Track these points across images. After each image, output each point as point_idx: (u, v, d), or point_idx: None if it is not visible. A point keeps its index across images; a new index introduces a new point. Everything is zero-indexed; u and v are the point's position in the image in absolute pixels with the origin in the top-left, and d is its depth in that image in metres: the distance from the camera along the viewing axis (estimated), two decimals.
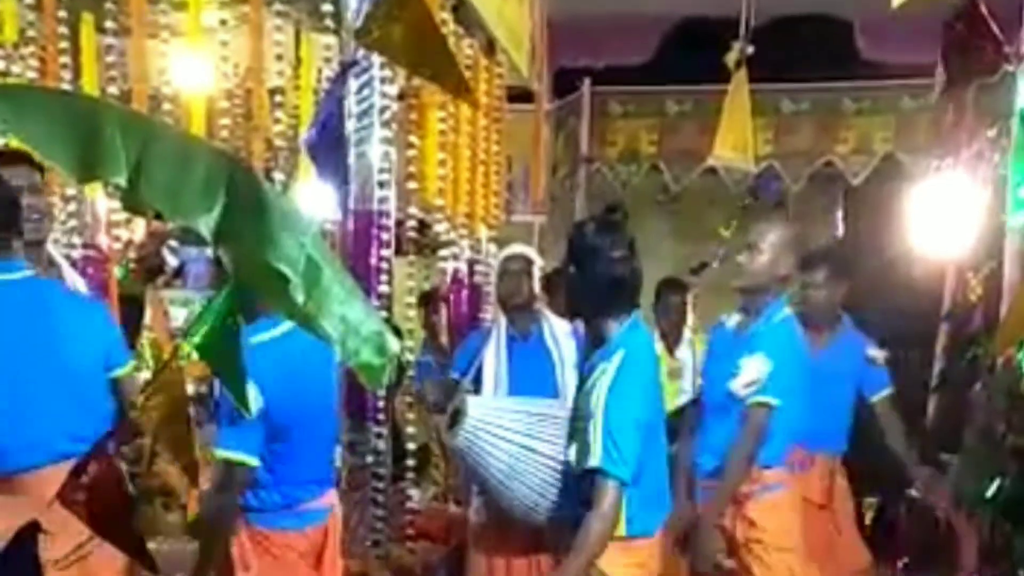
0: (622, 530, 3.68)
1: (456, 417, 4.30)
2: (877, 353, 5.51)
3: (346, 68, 4.59)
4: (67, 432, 3.79)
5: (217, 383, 3.72)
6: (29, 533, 3.92)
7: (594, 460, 3.50)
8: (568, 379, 4.74)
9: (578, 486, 3.70)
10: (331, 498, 4.03)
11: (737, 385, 4.42)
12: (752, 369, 4.40)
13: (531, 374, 4.81)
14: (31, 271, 3.99)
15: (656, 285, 6.68)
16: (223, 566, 3.79)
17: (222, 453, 3.68)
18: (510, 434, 4.22)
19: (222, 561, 3.79)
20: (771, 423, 4.44)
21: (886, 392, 5.55)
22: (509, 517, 4.33)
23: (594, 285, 3.65)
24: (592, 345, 3.76)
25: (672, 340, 6.60)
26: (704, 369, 4.96)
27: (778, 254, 4.57)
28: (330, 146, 4.44)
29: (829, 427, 5.36)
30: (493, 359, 4.85)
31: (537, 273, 4.99)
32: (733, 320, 4.74)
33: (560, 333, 4.92)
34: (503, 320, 4.96)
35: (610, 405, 3.53)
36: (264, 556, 3.82)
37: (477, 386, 4.83)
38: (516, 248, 5.14)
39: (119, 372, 4.06)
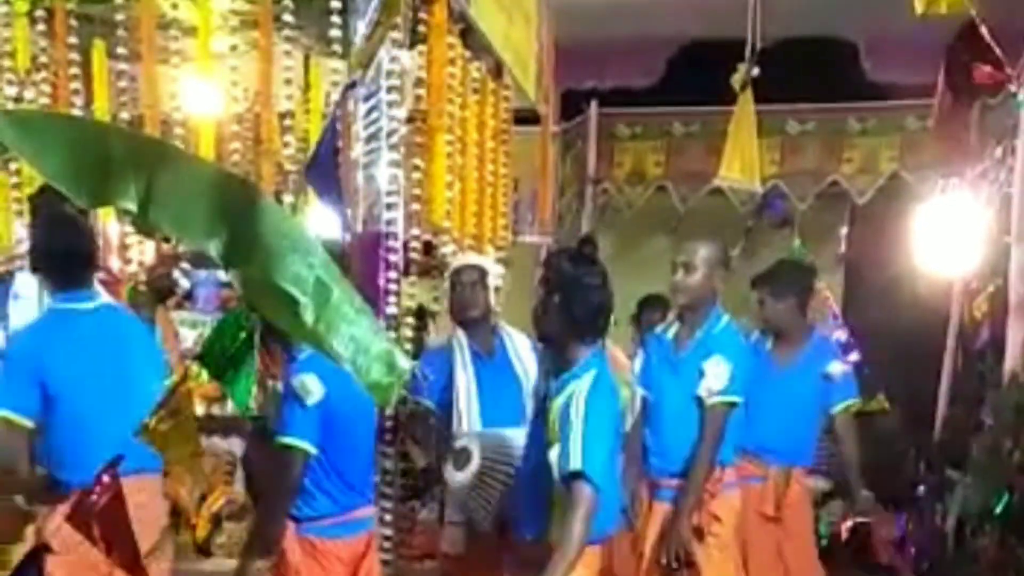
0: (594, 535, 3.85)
1: (462, 457, 4.34)
2: (836, 369, 5.63)
3: (347, 90, 4.63)
4: (136, 449, 3.89)
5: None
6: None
7: (576, 464, 3.61)
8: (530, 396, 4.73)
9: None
10: (372, 510, 4.24)
11: (704, 389, 4.75)
12: (715, 371, 4.74)
13: (500, 394, 4.78)
14: (103, 299, 4.33)
15: (638, 301, 6.78)
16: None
17: (281, 440, 3.87)
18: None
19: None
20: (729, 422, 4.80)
21: (845, 404, 5.67)
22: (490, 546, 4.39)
23: (571, 312, 3.82)
24: (557, 367, 3.91)
25: None
26: (643, 375, 5.06)
27: (711, 269, 4.88)
28: (326, 167, 4.50)
29: (786, 440, 5.53)
30: (463, 380, 4.80)
31: (492, 284, 4.99)
32: (671, 331, 5.06)
33: (522, 348, 4.93)
34: (462, 337, 4.90)
35: (589, 415, 3.67)
36: (312, 565, 3.96)
37: (448, 407, 4.80)
38: (468, 258, 5.12)
39: None
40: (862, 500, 5.97)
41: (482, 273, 4.94)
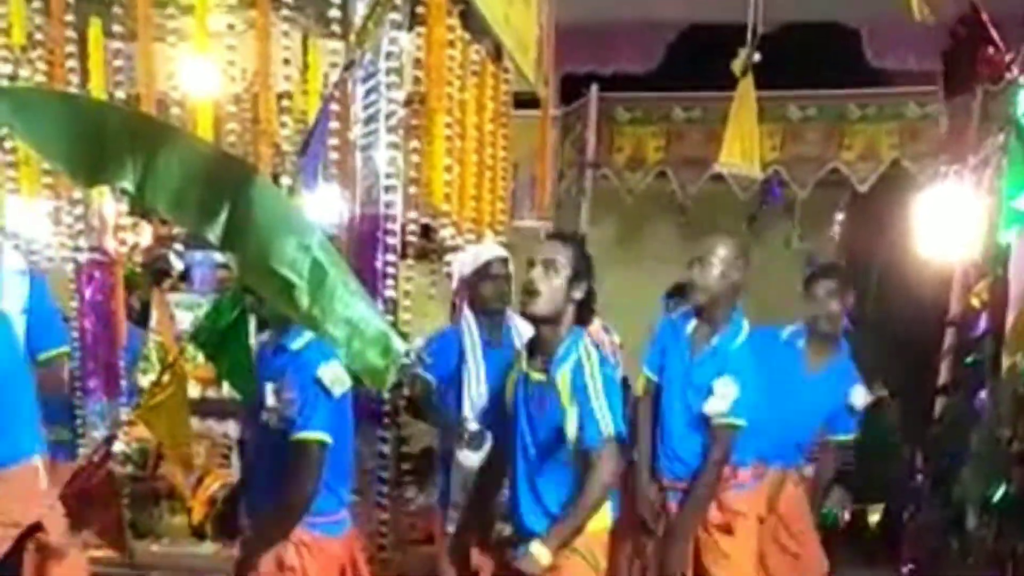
0: (608, 519, 4.01)
1: (477, 439, 4.41)
2: (858, 399, 5.42)
3: (345, 70, 4.59)
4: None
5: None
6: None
7: (608, 428, 3.76)
8: None
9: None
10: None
11: (710, 407, 4.66)
12: (723, 392, 4.64)
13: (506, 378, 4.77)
14: None
15: (665, 292, 6.67)
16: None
17: (306, 434, 3.73)
18: None
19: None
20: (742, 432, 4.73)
21: (841, 438, 5.52)
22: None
23: (574, 295, 3.93)
24: (542, 349, 3.98)
25: None
26: (652, 361, 5.03)
27: (728, 265, 4.78)
28: (316, 155, 4.46)
29: (790, 443, 5.41)
30: (473, 366, 4.85)
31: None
32: (689, 325, 4.92)
33: (527, 336, 4.91)
34: (472, 323, 4.93)
35: (606, 382, 3.83)
36: (312, 564, 3.85)
37: (456, 391, 4.84)
38: (497, 250, 5.14)
39: None
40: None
41: (507, 264, 5.02)
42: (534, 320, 3.99)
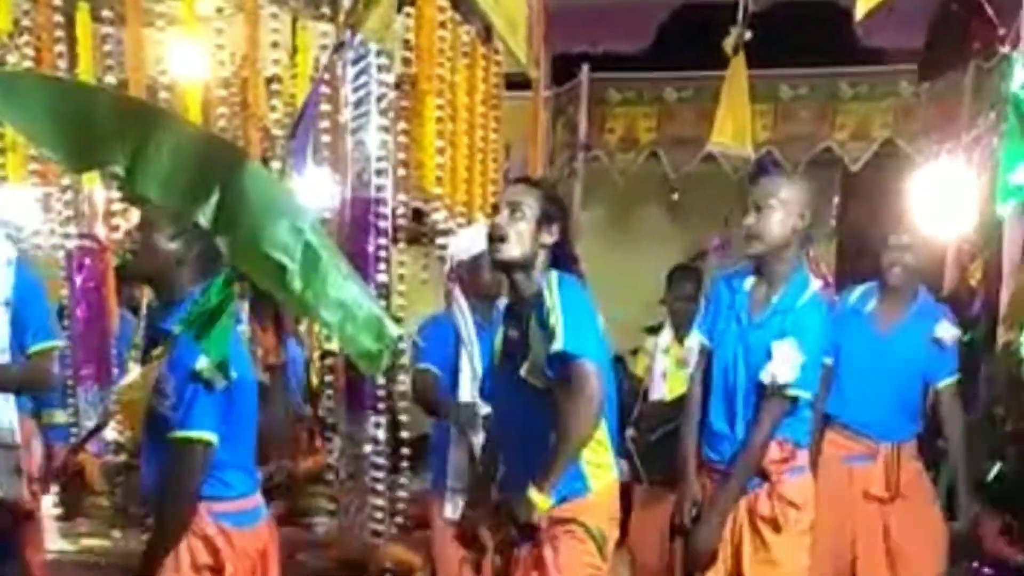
0: (613, 472, 3.91)
1: (487, 422, 4.42)
2: (946, 333, 5.01)
3: (335, 52, 4.56)
4: None
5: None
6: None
7: (558, 344, 3.60)
8: None
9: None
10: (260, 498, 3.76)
11: (768, 375, 4.04)
12: (785, 357, 4.02)
13: None
14: None
15: (668, 271, 6.65)
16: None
17: (185, 433, 3.34)
18: None
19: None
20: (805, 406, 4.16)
21: (950, 380, 5.08)
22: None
23: (547, 240, 3.81)
24: (518, 303, 3.88)
25: (683, 328, 6.49)
26: (704, 325, 4.43)
27: (790, 211, 4.10)
28: (304, 139, 4.43)
29: (893, 414, 5.05)
30: (469, 351, 4.79)
31: None
32: (747, 282, 4.27)
33: None
34: (465, 307, 4.87)
35: (564, 298, 3.66)
36: (230, 555, 3.50)
37: (453, 376, 4.80)
38: None
39: None
40: (968, 508, 5.21)
41: None
42: (504, 266, 3.86)
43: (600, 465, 3.85)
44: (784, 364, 4.01)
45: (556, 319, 3.63)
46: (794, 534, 4.15)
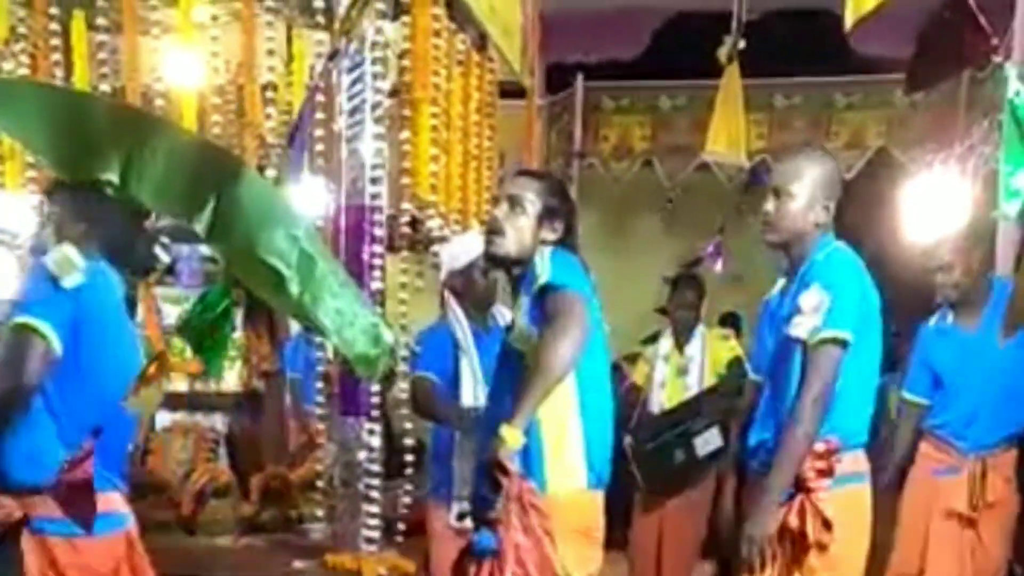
0: (581, 480, 3.44)
1: None
2: None
3: (329, 60, 4.57)
4: None
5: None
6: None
7: (543, 278, 3.32)
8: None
9: None
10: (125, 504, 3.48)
11: (796, 327, 3.52)
12: (811, 303, 3.51)
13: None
14: None
15: (672, 278, 6.66)
16: None
17: (20, 319, 3.08)
18: None
19: None
20: (844, 383, 3.52)
21: None
22: None
23: (544, 234, 3.53)
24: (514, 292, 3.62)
25: (683, 336, 6.49)
26: (752, 356, 4.17)
27: (814, 195, 3.69)
28: (301, 146, 4.44)
29: (988, 422, 4.78)
30: (468, 356, 4.74)
31: None
32: (779, 284, 3.86)
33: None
34: (461, 315, 4.80)
35: (555, 261, 3.38)
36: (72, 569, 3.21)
37: (454, 385, 4.76)
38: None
39: None
40: None
41: None
42: (499, 262, 3.62)
43: (565, 469, 3.44)
44: (812, 310, 3.50)
45: (543, 265, 3.36)
46: (819, 564, 3.54)
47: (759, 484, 3.62)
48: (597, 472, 3.48)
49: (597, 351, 3.51)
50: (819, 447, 3.48)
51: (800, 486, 3.50)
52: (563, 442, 3.42)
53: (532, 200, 3.53)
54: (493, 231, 3.57)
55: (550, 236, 3.53)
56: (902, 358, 5.57)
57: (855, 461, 3.61)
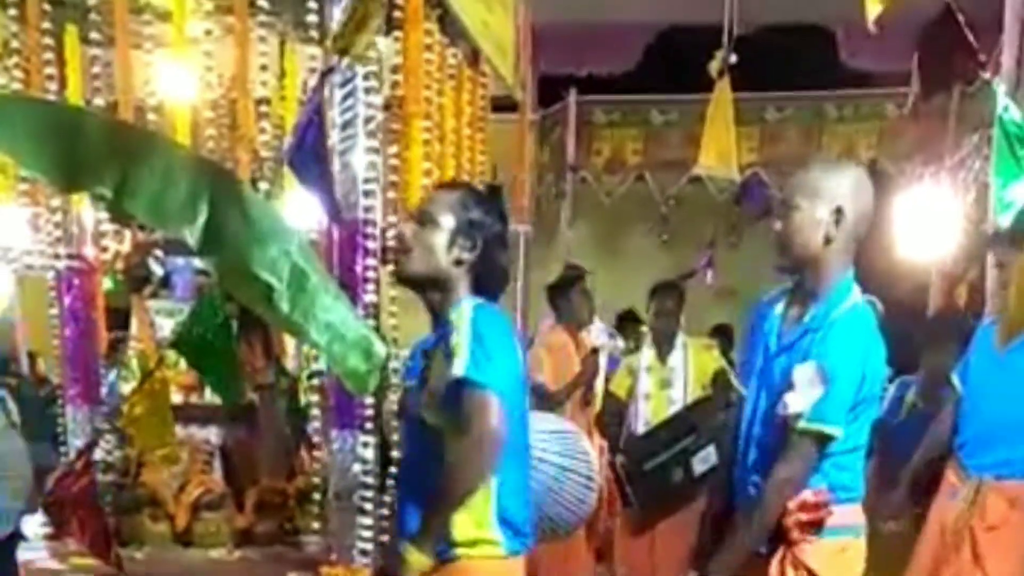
0: (499, 551, 3.28)
1: None
2: None
3: (324, 75, 4.58)
4: None
5: None
6: None
7: (459, 369, 3.10)
8: None
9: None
10: None
11: (781, 405, 3.28)
12: (800, 384, 3.22)
13: None
14: None
15: (650, 288, 6.66)
16: None
17: None
18: (547, 455, 4.16)
19: None
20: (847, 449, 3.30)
21: None
22: None
23: (467, 260, 3.39)
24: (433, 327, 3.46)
25: (664, 347, 6.49)
26: (744, 368, 3.79)
27: (829, 209, 3.32)
28: (313, 155, 4.44)
29: (999, 442, 4.54)
30: None
31: None
32: (779, 305, 3.52)
33: None
34: None
35: (476, 323, 3.18)
36: None
37: None
38: None
39: None
40: None
41: None
42: (408, 282, 3.49)
43: (478, 538, 3.28)
44: (799, 391, 3.21)
45: (461, 342, 3.14)
46: None
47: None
48: (517, 532, 3.33)
49: (516, 432, 3.27)
50: (808, 497, 3.26)
51: (783, 538, 3.30)
52: (475, 505, 3.23)
53: (445, 217, 3.38)
54: (399, 250, 3.47)
55: (466, 256, 3.36)
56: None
57: (849, 514, 3.39)
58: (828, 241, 3.28)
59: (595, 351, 6.49)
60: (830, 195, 3.29)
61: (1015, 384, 4.49)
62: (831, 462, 3.28)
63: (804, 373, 3.21)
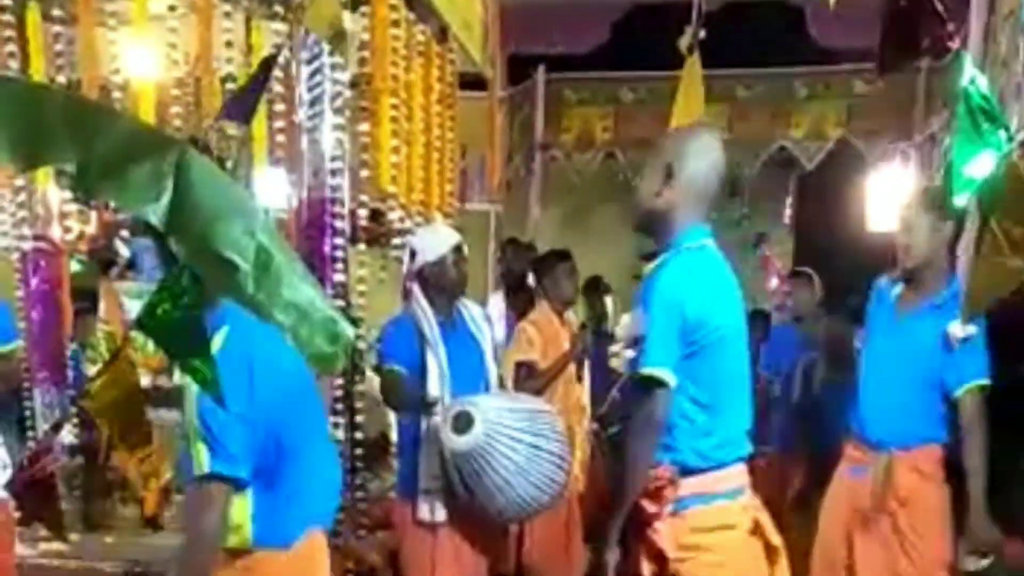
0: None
1: (462, 421, 4.28)
2: (957, 330, 4.23)
3: (279, 49, 4.49)
4: None
5: None
6: None
7: (202, 466, 3.10)
8: (491, 364, 4.77)
9: None
10: None
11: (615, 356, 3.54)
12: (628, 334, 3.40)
13: (464, 361, 4.68)
14: None
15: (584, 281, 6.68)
16: None
17: None
18: (519, 434, 4.25)
19: None
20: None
21: (970, 385, 4.26)
22: (480, 514, 4.36)
23: None
24: None
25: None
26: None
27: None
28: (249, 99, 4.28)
29: (894, 414, 4.38)
30: (433, 348, 4.68)
31: None
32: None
33: (477, 316, 4.85)
34: (426, 306, 4.72)
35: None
36: None
37: (420, 376, 4.67)
38: (455, 235, 4.91)
39: None
40: (981, 531, 4.26)
41: (463, 249, 4.83)
42: None
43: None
44: (627, 343, 3.39)
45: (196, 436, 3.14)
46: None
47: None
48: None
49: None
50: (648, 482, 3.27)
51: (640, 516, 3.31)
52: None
53: None
54: None
55: None
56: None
57: (698, 482, 3.29)
58: (658, 195, 3.41)
59: (583, 328, 6.47)
60: (662, 156, 3.44)
61: (911, 349, 4.35)
62: (673, 424, 3.26)
63: (631, 322, 3.36)
